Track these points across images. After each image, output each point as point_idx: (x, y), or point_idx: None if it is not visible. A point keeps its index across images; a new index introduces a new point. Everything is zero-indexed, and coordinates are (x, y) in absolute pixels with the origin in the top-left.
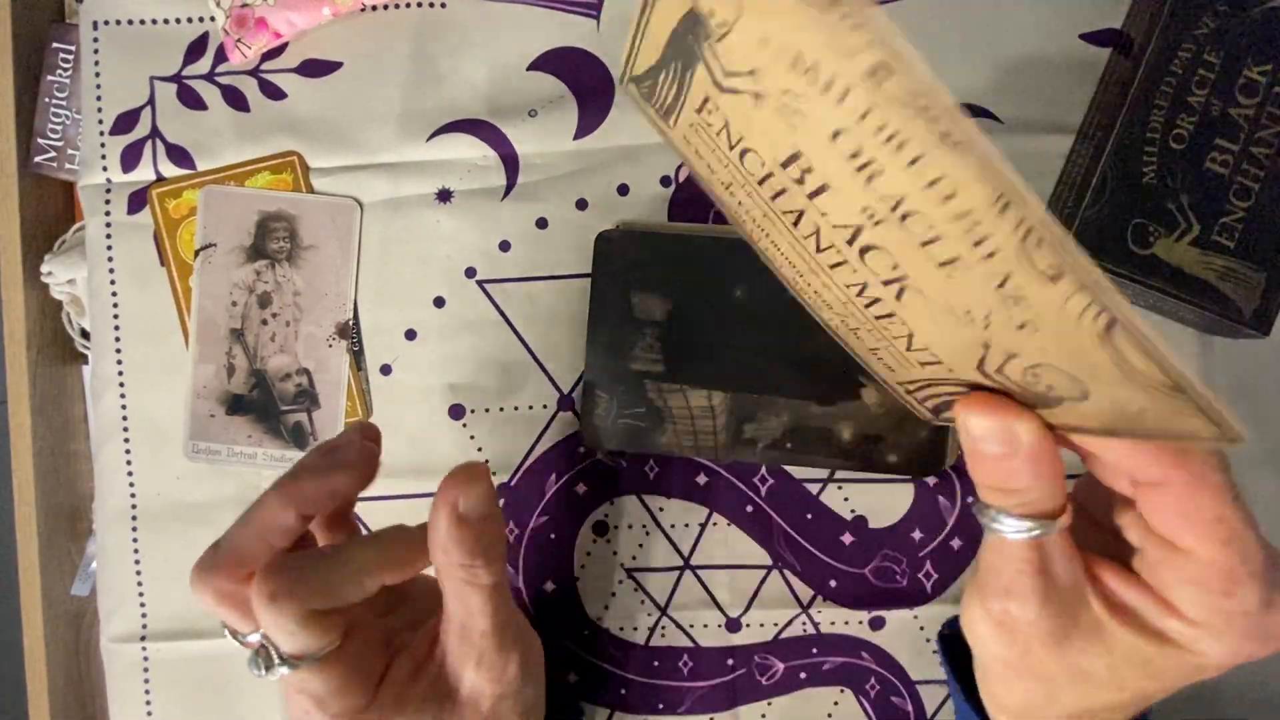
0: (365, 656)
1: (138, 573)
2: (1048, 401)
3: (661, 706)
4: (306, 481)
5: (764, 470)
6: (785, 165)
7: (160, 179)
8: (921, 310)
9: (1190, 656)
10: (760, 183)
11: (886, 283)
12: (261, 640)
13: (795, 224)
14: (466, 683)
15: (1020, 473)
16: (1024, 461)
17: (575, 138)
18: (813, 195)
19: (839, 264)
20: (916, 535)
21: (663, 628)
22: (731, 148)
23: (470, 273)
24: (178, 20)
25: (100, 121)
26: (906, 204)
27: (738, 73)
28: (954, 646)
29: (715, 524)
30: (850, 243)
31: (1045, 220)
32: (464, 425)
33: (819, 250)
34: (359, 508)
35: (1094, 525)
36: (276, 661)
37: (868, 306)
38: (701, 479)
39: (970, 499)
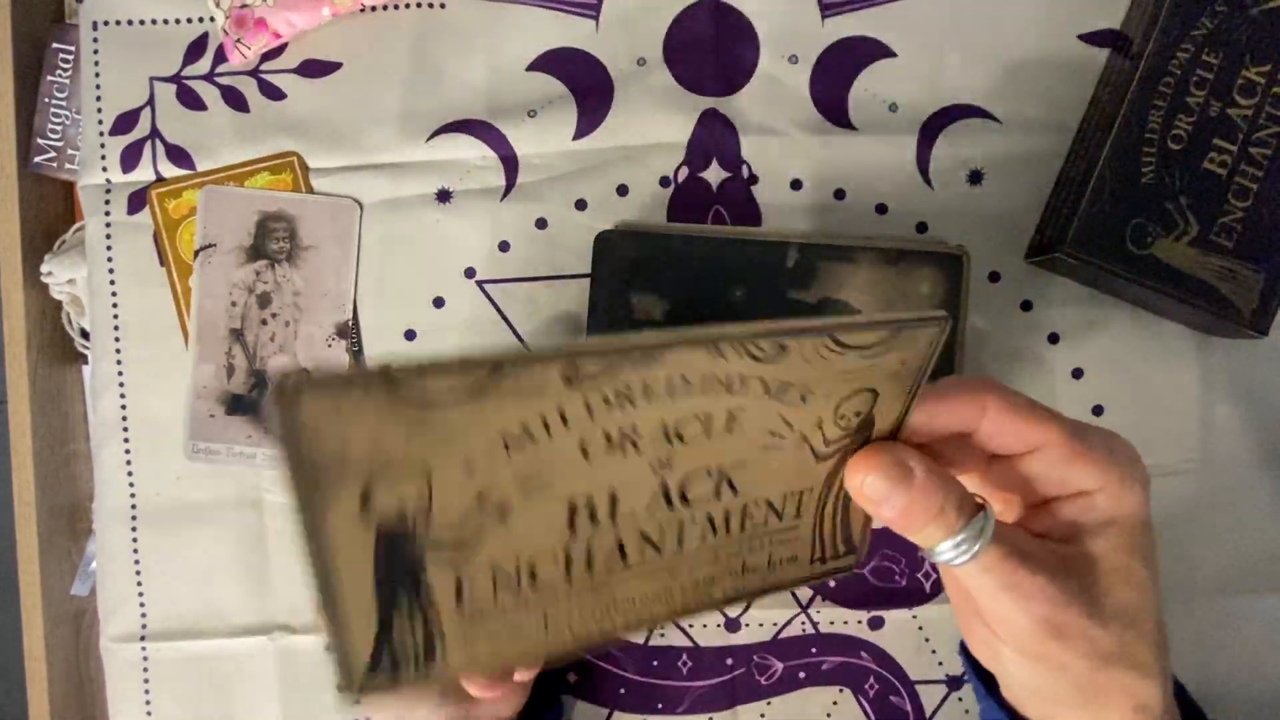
0: None
1: (137, 573)
2: (868, 427)
3: (661, 706)
4: None
5: None
6: (571, 526)
7: (160, 179)
8: (753, 473)
9: (1131, 515)
10: (567, 573)
11: (717, 494)
12: None
13: (622, 558)
14: None
15: (931, 494)
16: (925, 483)
17: (575, 138)
18: (613, 513)
19: (680, 535)
20: None
21: (662, 627)
22: (518, 587)
23: (470, 273)
24: (177, 21)
25: (100, 121)
26: (670, 422)
27: (462, 531)
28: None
29: None
30: (670, 502)
31: (739, 330)
32: None
33: (659, 550)
34: None
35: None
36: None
37: (727, 532)
38: None
39: (920, 555)
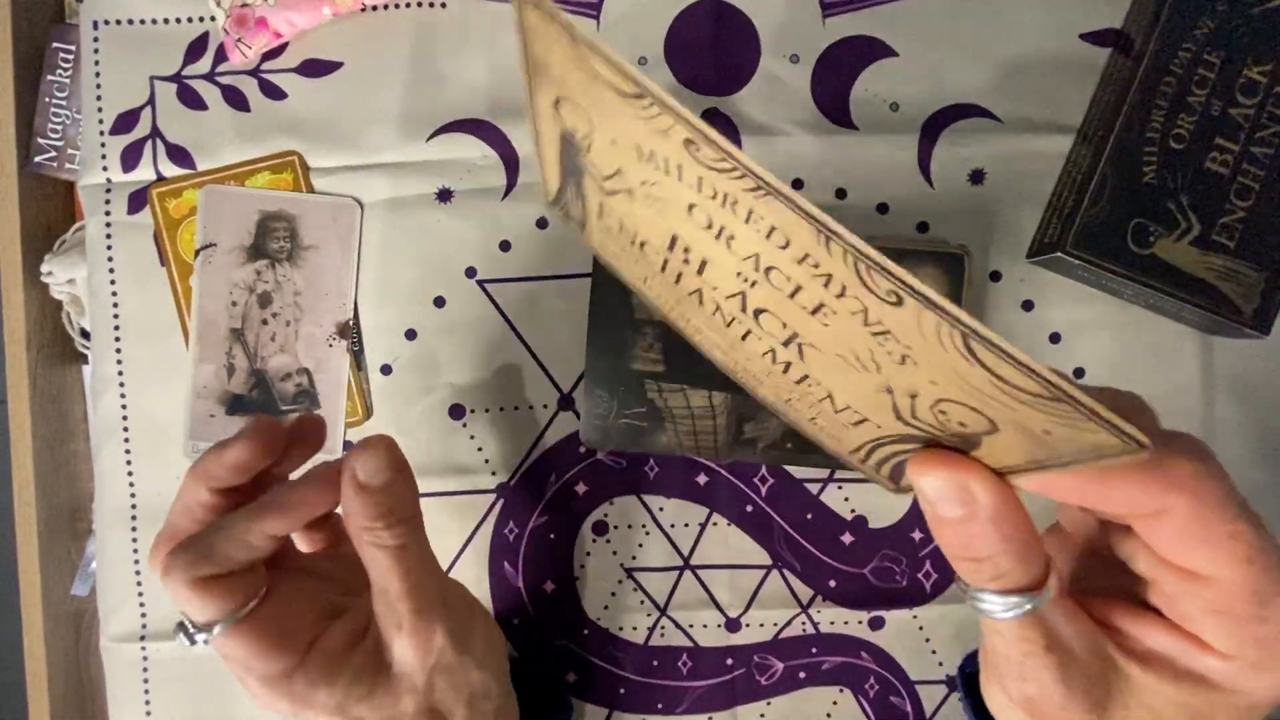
0: (288, 621)
1: (137, 573)
2: (970, 443)
3: (661, 706)
4: (209, 458)
5: (764, 470)
6: (670, 248)
7: (160, 179)
8: (823, 365)
9: (1236, 696)
10: (662, 270)
11: (785, 343)
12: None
13: (700, 303)
14: (395, 651)
15: (984, 537)
16: (985, 524)
17: None
18: (700, 271)
19: (746, 334)
20: (916, 535)
21: (662, 628)
22: (631, 244)
23: (470, 273)
24: (178, 20)
25: (100, 121)
26: (764, 259)
27: (609, 175)
28: (974, 683)
29: (715, 524)
30: (744, 310)
31: (861, 245)
32: (464, 425)
33: (727, 325)
34: None
35: (1093, 558)
36: (191, 630)
37: (784, 372)
38: (701, 479)
39: (954, 582)
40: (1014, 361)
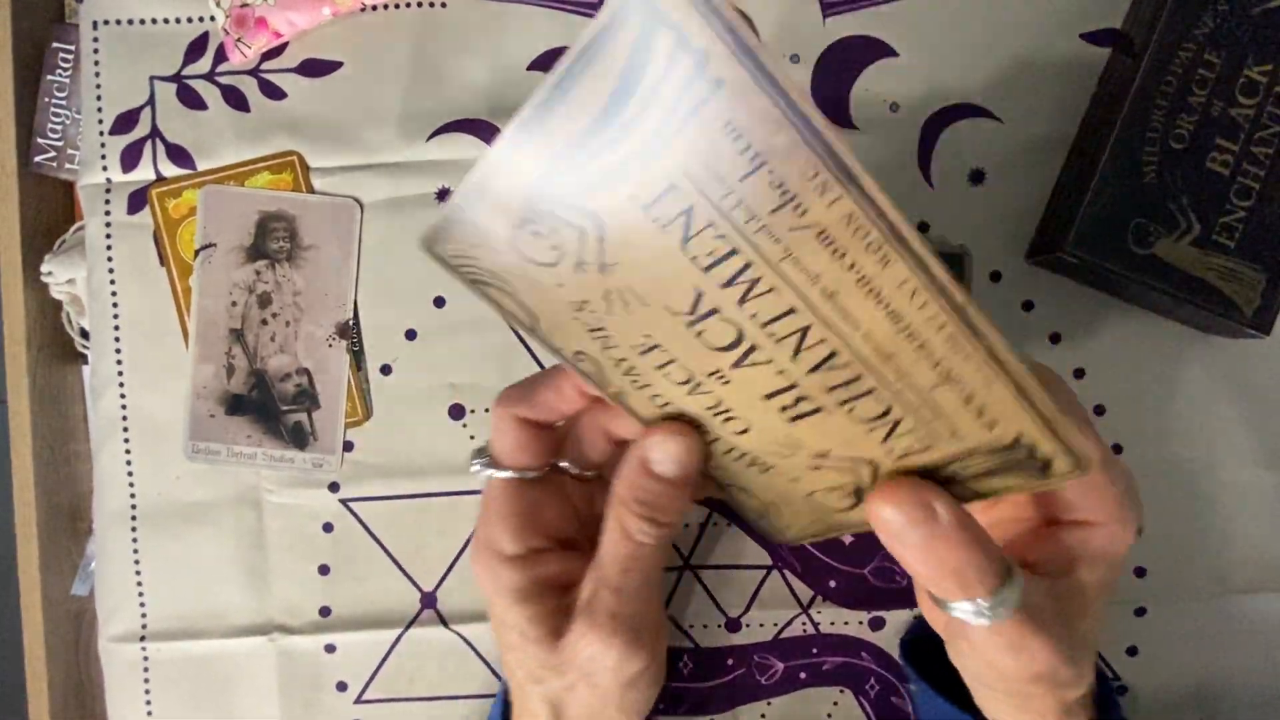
0: (539, 516)
1: (137, 573)
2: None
3: (661, 706)
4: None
5: None
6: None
7: (160, 179)
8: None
9: (1116, 560)
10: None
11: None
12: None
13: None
14: (572, 632)
15: (953, 546)
16: (950, 532)
17: None
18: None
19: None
20: None
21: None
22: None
23: None
24: (178, 20)
25: (100, 121)
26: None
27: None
28: (915, 651)
29: (715, 524)
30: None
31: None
32: (464, 425)
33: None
34: (361, 508)
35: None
36: (482, 460)
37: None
38: None
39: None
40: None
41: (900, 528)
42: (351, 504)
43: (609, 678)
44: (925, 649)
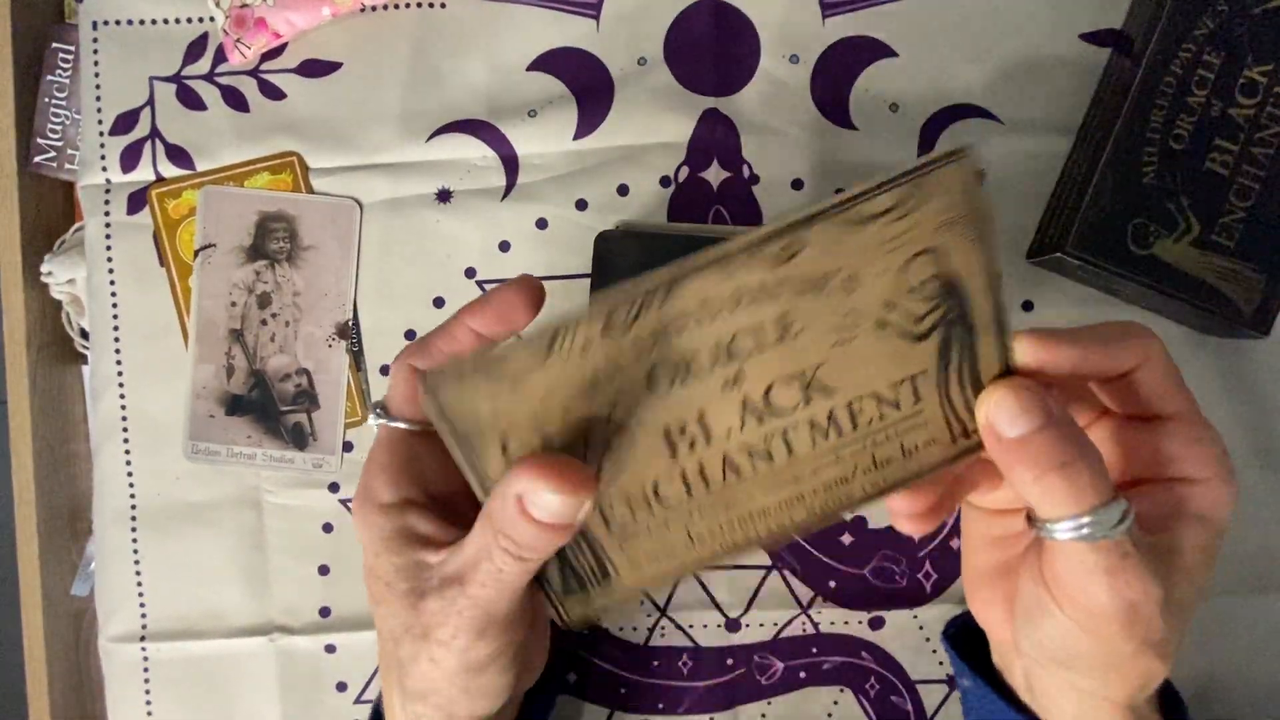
0: (419, 467)
1: (137, 573)
2: (957, 284)
3: (661, 706)
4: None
5: None
6: (674, 453)
7: (160, 179)
8: (848, 374)
9: (1218, 521)
10: (689, 493)
11: (805, 396)
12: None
13: (738, 474)
14: (430, 602)
15: (1067, 439)
16: (1064, 426)
17: (575, 138)
18: (709, 437)
19: (786, 430)
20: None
21: (662, 628)
22: (650, 507)
23: (470, 273)
24: (177, 20)
25: (100, 121)
26: (720, 346)
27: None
28: (960, 642)
29: None
30: (758, 414)
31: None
32: None
33: (770, 452)
34: None
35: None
36: (378, 410)
37: (825, 436)
38: None
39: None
40: (860, 195)
41: (1015, 414)
42: (351, 504)
43: (452, 662)
44: (970, 645)
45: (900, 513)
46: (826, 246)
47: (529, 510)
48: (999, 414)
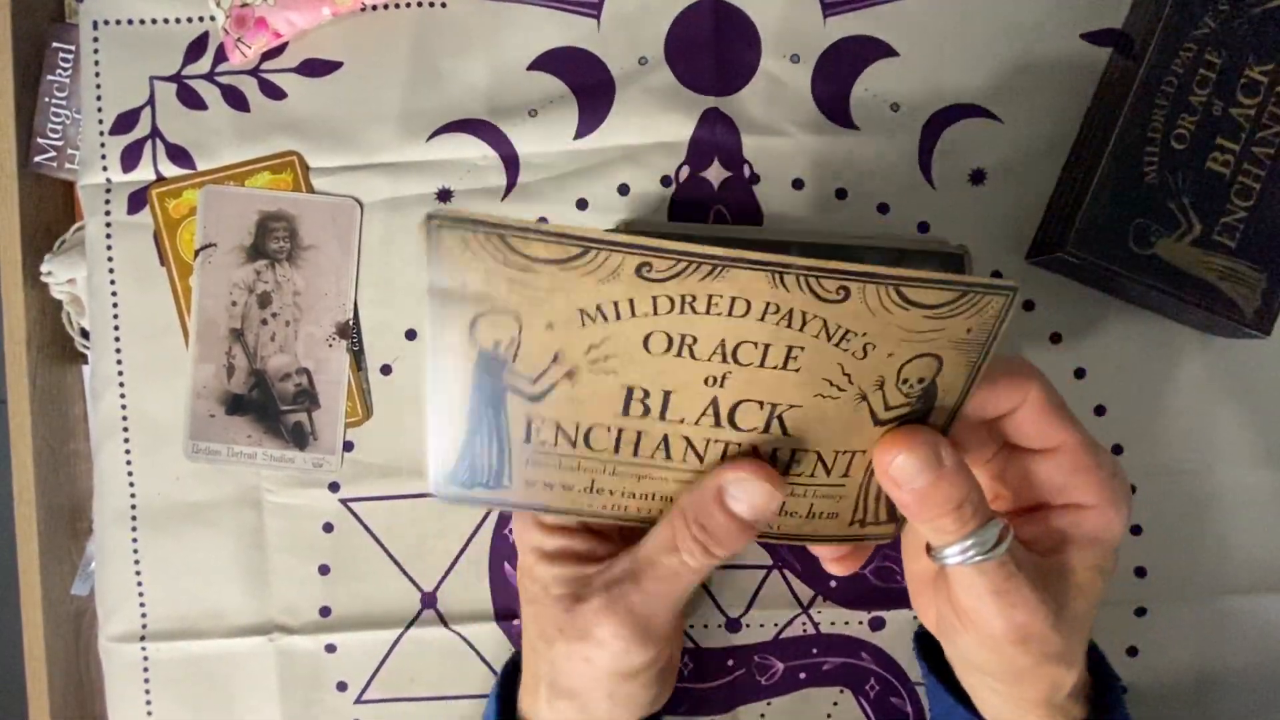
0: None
1: (137, 573)
2: (935, 395)
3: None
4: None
5: None
6: (626, 411)
7: (160, 179)
8: (806, 420)
9: (1108, 543)
10: (615, 451)
11: (767, 426)
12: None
13: (668, 454)
14: (589, 605)
15: (955, 486)
16: (954, 474)
17: (575, 138)
18: (664, 412)
19: (723, 453)
20: None
21: None
22: (573, 445)
23: None
24: (178, 20)
25: (100, 121)
26: (729, 340)
27: (542, 371)
28: (928, 645)
29: None
30: (719, 420)
31: (804, 262)
32: None
33: (702, 460)
34: (361, 508)
35: None
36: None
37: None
38: None
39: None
40: (927, 280)
41: (913, 473)
42: (351, 504)
43: (607, 662)
44: (938, 644)
45: (822, 556)
46: (870, 308)
47: (728, 503)
48: (899, 473)
